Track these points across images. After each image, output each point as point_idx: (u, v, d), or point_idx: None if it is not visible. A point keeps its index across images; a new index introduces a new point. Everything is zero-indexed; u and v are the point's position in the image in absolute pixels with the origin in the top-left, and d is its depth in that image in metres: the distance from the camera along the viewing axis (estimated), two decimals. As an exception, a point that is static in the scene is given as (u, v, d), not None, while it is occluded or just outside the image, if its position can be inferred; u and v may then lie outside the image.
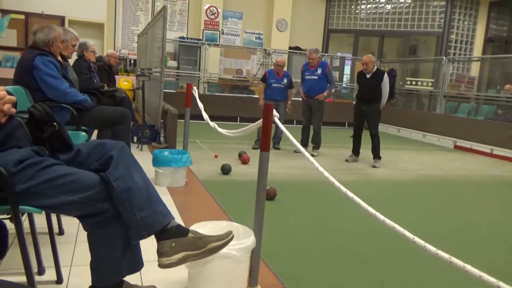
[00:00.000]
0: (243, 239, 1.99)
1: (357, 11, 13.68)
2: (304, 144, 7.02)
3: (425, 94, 11.69)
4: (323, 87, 6.83)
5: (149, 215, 1.69)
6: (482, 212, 4.46)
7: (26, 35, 10.37)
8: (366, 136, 6.56)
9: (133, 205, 1.67)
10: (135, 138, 5.88)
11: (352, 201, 1.80)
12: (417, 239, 1.30)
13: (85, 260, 1.90)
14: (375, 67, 6.46)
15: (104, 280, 1.76)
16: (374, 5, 13.43)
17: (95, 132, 4.87)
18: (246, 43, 12.93)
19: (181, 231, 1.73)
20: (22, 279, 1.76)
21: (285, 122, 6.76)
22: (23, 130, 1.74)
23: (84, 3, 10.90)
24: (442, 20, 12.45)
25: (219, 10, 12.28)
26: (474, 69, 12.44)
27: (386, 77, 6.38)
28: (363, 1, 13.56)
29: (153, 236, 1.72)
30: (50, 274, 2.12)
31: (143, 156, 5.06)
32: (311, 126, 7.01)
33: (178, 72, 11.30)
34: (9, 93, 1.64)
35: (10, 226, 1.67)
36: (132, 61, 11.44)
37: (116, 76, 7.67)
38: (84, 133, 3.13)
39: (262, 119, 2.01)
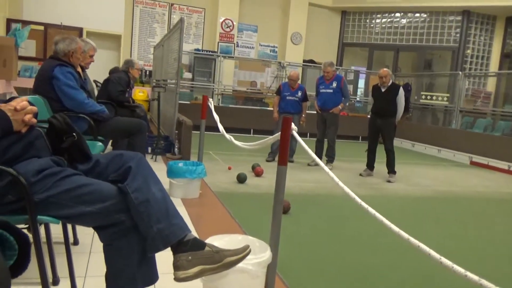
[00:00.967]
0: (259, 254, 1.97)
1: (372, 25, 13.68)
2: (318, 157, 6.97)
3: (440, 109, 11.60)
4: (338, 100, 6.82)
5: (166, 228, 1.67)
6: (501, 230, 4.36)
7: (45, 45, 10.55)
8: (380, 151, 6.51)
9: (150, 217, 1.66)
10: (149, 149, 5.91)
11: (368, 215, 1.76)
12: (444, 260, 1.26)
13: (99, 271, 1.89)
14: (391, 81, 6.44)
15: (119, 291, 1.74)
16: (389, 19, 13.42)
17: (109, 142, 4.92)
18: (261, 56, 12.99)
19: (198, 245, 1.71)
20: (38, 289, 1.75)
21: (298, 135, 6.74)
22: (43, 140, 1.75)
23: (102, 15, 11.08)
24: (458, 35, 12.37)
25: (234, 23, 12.38)
26: (491, 84, 12.29)
27: (401, 91, 6.34)
28: (378, 15, 13.57)
29: (169, 248, 1.70)
30: (64, 284, 2.11)
31: (157, 167, 5.07)
32: (325, 140, 6.98)
33: (192, 84, 11.39)
34: (30, 103, 1.66)
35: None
36: (147, 72, 11.57)
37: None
38: (100, 143, 3.15)
39: (279, 132, 1.99)
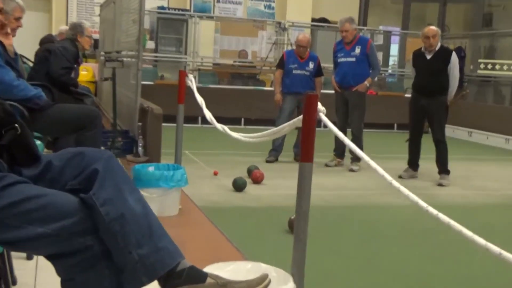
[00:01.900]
0: (279, 287, 2.00)
1: (408, -33, 13.79)
2: (339, 153, 7.06)
3: (507, 81, 11.71)
4: (363, 73, 6.88)
5: (151, 253, 1.69)
6: None
7: None
8: (426, 142, 6.59)
9: (127, 239, 1.68)
10: (102, 149, 5.91)
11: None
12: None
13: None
14: (439, 45, 6.49)
15: None
16: (431, -42, 13.53)
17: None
18: (251, 14, 13.02)
19: (197, 275, 1.73)
20: None
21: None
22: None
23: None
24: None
25: (213, -32, 12.41)
26: None
27: (455, 56, 6.41)
28: (416, -47, 13.67)
29: (156, 282, 1.72)
30: None
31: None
32: (348, 129, 7.03)
33: (156, 57, 11.39)
34: None
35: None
36: (91, 42, 11.53)
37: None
38: (39, 141, 3.16)
39: (301, 116, 2.03)
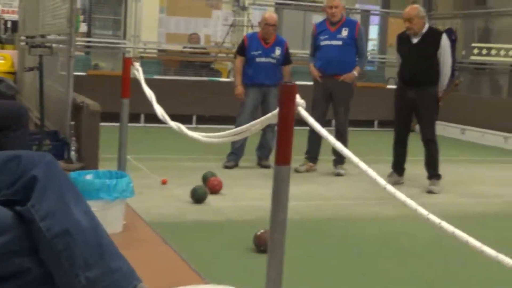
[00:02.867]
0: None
1: None
2: (312, 157, 7.14)
3: (504, 70, 12.00)
4: (351, 60, 7.03)
5: (102, 276, 1.71)
6: None
7: None
8: (413, 142, 6.73)
9: (73, 260, 1.69)
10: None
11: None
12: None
13: None
14: (426, 26, 6.62)
15: None
16: None
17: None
18: (204, -9, 13.03)
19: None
20: None
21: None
22: None
23: None
24: None
25: None
26: None
27: (445, 39, 6.57)
28: None
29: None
30: None
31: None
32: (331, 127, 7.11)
33: (89, 42, 11.29)
34: None
35: None
36: (9, 24, 11.37)
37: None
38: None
39: (276, 111, 2.06)
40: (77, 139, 6.00)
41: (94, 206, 3.89)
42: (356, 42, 7.01)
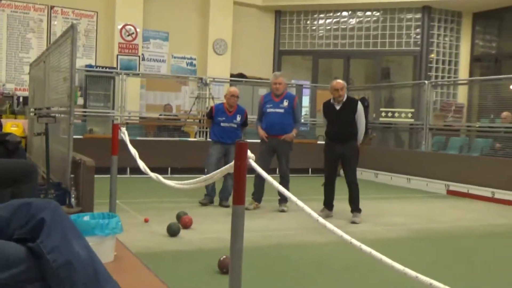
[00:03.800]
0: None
1: (314, 28, 14.39)
2: (257, 198, 7.16)
3: (405, 127, 12.29)
4: (289, 124, 7.12)
5: (98, 297, 1.68)
6: (498, 273, 4.69)
7: None
8: (339, 184, 6.80)
9: (75, 285, 1.66)
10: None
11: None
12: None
13: None
14: (345, 96, 6.78)
15: None
16: (335, 20, 14.18)
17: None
18: (175, 71, 13.13)
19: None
20: None
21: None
22: None
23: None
24: (419, 36, 13.34)
25: (137, 29, 12.47)
26: (461, 95, 13.28)
27: (360, 106, 6.74)
28: (321, 15, 14.29)
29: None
30: None
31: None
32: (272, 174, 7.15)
33: (85, 112, 11.20)
34: None
35: None
36: (21, 99, 11.23)
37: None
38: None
39: (232, 163, 2.08)
40: (76, 188, 5.91)
41: (91, 241, 3.82)
42: (293, 111, 7.12)
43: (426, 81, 11.56)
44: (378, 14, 13.78)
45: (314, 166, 11.16)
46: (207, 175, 2.56)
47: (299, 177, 11.05)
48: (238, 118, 7.28)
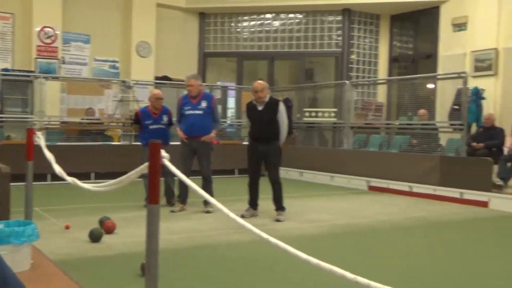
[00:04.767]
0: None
1: (239, 30, 14.48)
2: (182, 200, 7.16)
3: (328, 126, 12.58)
4: (209, 125, 7.11)
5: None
6: (417, 262, 4.89)
7: None
8: (263, 184, 6.88)
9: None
10: None
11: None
12: None
13: None
14: (268, 96, 6.86)
15: None
16: (259, 22, 14.33)
17: None
18: (97, 74, 12.84)
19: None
20: None
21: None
22: None
23: None
24: (340, 38, 13.71)
25: (57, 32, 12.12)
26: (381, 94, 13.75)
27: (282, 106, 6.83)
28: (245, 18, 14.40)
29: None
30: None
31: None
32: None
33: (1, 118, 10.75)
34: None
35: None
36: None
37: None
38: None
39: (147, 163, 2.07)
40: (-9, 196, 5.68)
41: (6, 249, 3.71)
42: (212, 111, 7.14)
43: (347, 81, 11.89)
44: (300, 16, 14.04)
45: (240, 166, 11.21)
46: (123, 177, 2.52)
47: (225, 178, 11.12)
48: (165, 119, 7.34)
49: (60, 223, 6.03)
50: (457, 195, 8.60)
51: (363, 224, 6.63)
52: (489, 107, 10.80)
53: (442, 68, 12.19)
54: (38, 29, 11.90)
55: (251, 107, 6.90)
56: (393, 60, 14.18)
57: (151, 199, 2.10)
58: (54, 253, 4.62)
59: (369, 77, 14.03)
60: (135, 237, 5.38)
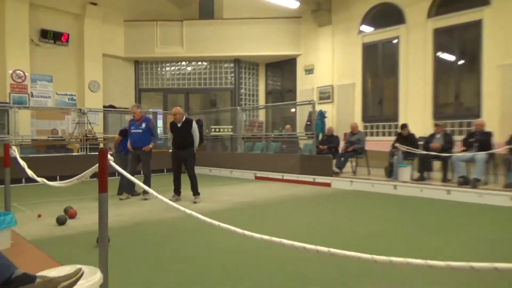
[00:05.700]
0: (90, 277, 1.91)
1: (163, 73, 14.20)
2: (129, 191, 6.94)
3: (227, 138, 12.67)
4: (148, 139, 6.96)
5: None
6: (285, 221, 5.08)
7: None
8: (184, 177, 6.80)
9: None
10: None
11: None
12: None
13: None
14: (184, 117, 6.82)
15: None
16: (177, 67, 14.15)
17: None
18: (59, 104, 12.02)
19: (28, 278, 1.59)
20: None
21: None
22: None
23: None
24: (233, 78, 13.88)
25: (26, 74, 11.20)
26: (261, 115, 14.11)
27: (194, 123, 6.81)
28: (167, 64, 14.17)
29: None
30: None
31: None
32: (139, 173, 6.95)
33: (-17, 137, 9.75)
34: None
35: None
36: None
37: None
38: None
39: (97, 164, 2.01)
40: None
41: (-10, 234, 3.40)
42: (150, 130, 6.98)
43: (238, 107, 12.06)
44: (206, 63, 14.04)
45: (167, 167, 11.00)
46: (81, 174, 2.40)
47: (158, 175, 10.84)
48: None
49: (33, 213, 5.60)
50: (311, 180, 9.00)
51: (252, 201, 6.74)
52: (329, 123, 11.44)
53: (300, 98, 12.72)
54: (11, 71, 10.94)
55: (173, 125, 6.83)
56: (268, 93, 14.58)
57: (101, 188, 2.03)
58: (30, 234, 4.29)
59: (253, 104, 14.32)
60: (92, 220, 5.12)
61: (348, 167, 9.26)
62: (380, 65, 10.94)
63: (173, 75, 14.13)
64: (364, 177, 8.40)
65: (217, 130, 12.64)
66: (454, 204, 6.37)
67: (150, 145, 6.98)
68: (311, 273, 3.12)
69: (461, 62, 9.59)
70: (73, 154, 10.51)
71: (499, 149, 7.13)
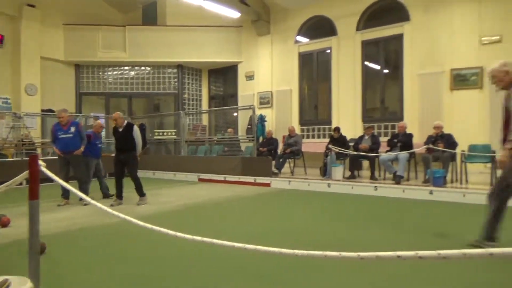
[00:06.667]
0: (20, 286, 1.75)
1: (106, 77, 13.59)
2: (65, 196, 6.55)
3: (171, 141, 12.40)
4: (78, 143, 6.61)
5: None
6: (229, 218, 5.04)
7: None
8: (127, 181, 6.54)
9: None
10: None
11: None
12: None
13: None
14: (125, 122, 6.56)
15: None
16: (120, 72, 13.61)
17: None
18: (-8, 108, 11.05)
19: None
20: None
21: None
22: None
23: None
24: (176, 83, 13.62)
25: (-46, 75, 10.16)
26: (205, 119, 13.97)
27: (135, 128, 6.57)
28: (110, 68, 13.58)
29: None
30: None
31: None
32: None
33: None
34: None
35: None
36: None
37: None
38: None
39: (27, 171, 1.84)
40: None
41: None
42: (79, 133, 6.62)
43: (182, 111, 11.85)
44: (149, 68, 13.64)
45: (110, 171, 10.47)
46: (10, 181, 2.20)
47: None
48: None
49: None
50: (252, 180, 9.05)
51: (194, 203, 6.63)
52: (268, 126, 11.59)
53: (241, 102, 12.77)
54: None
55: (115, 130, 6.56)
56: (211, 98, 14.49)
57: (31, 195, 1.87)
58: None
59: (196, 109, 14.15)
60: (25, 228, 4.74)
61: (286, 167, 9.44)
62: (315, 73, 11.29)
63: (116, 80, 13.57)
64: (301, 177, 8.60)
65: (160, 134, 12.31)
66: (381, 199, 6.71)
67: (81, 148, 6.64)
68: (252, 269, 3.11)
69: (386, 70, 10.16)
70: (8, 159, 9.69)
71: (419, 149, 7.63)
